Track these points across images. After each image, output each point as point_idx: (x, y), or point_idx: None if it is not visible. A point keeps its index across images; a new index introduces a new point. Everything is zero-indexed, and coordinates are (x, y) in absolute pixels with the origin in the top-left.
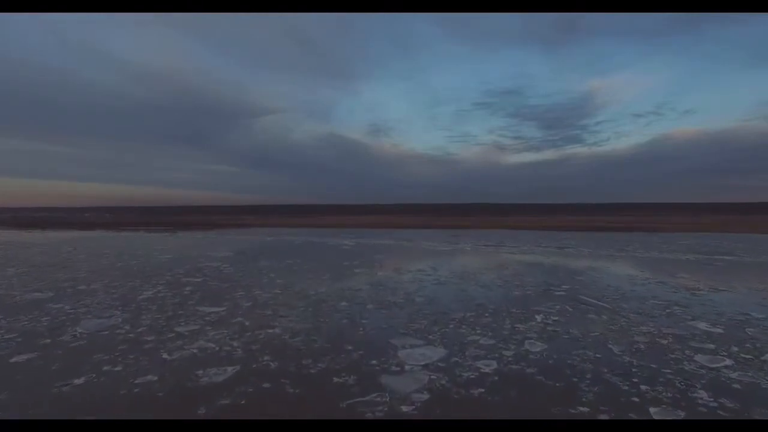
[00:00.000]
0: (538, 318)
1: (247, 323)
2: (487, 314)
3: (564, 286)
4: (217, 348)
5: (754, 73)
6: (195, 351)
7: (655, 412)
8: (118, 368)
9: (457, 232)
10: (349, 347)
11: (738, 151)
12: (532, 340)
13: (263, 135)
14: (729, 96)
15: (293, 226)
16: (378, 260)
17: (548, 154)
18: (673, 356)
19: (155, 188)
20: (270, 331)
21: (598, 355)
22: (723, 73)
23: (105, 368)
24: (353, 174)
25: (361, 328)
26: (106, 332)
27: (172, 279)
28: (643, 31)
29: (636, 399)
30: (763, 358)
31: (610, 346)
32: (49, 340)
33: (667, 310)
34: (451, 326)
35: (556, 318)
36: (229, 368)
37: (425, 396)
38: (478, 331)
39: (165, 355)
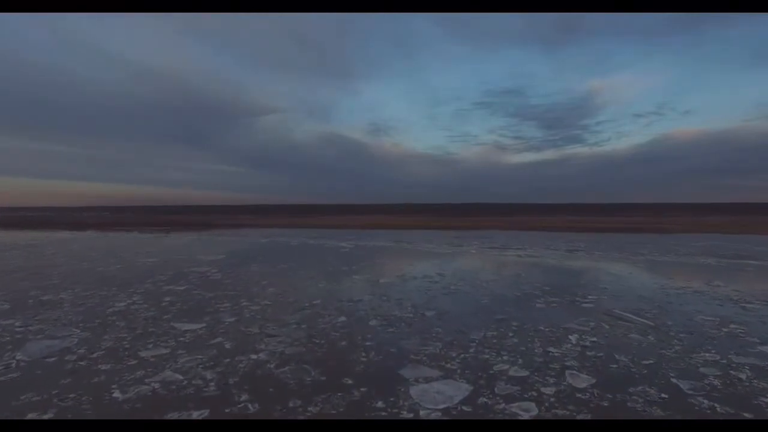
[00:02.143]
0: (573, 339)
1: (227, 346)
2: (510, 333)
3: (590, 297)
4: (186, 381)
5: (754, 73)
6: (157, 386)
7: None
8: (49, 415)
9: (458, 233)
10: (349, 381)
11: (739, 152)
12: (574, 371)
13: (263, 135)
14: (730, 96)
15: (291, 226)
16: (379, 265)
17: (549, 154)
18: (766, 400)
19: (155, 188)
20: (254, 356)
21: (664, 395)
22: (723, 73)
23: (29, 415)
24: (354, 174)
25: (363, 353)
26: (53, 358)
27: (152, 287)
28: (643, 31)
29: None
30: None
31: (674, 380)
32: None
33: (725, 330)
34: (472, 350)
35: (594, 339)
36: (195, 413)
37: None
38: (505, 357)
39: (117, 393)
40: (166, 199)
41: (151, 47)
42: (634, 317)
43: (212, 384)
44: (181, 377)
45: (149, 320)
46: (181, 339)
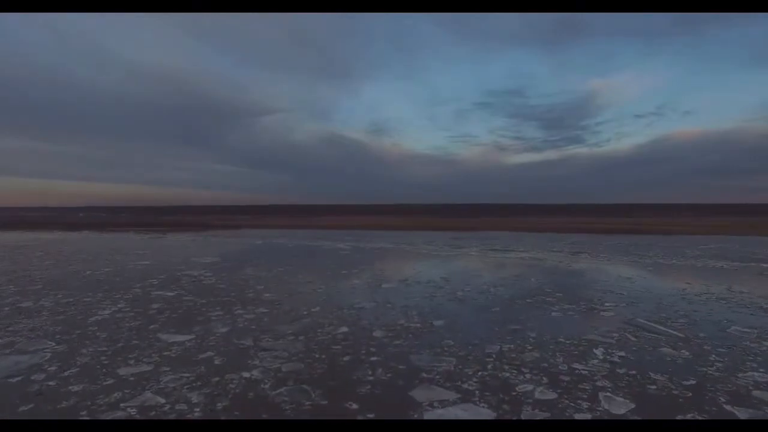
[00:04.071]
0: (598, 353)
1: (217, 361)
2: (529, 346)
3: (607, 304)
4: (168, 406)
5: (754, 73)
6: (134, 412)
7: None
8: None
9: (459, 234)
10: (354, 406)
11: (740, 152)
12: (608, 393)
13: (264, 135)
14: (730, 96)
15: (290, 227)
16: (380, 268)
17: (549, 155)
18: None
19: (155, 188)
20: (246, 375)
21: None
22: (723, 73)
23: None
24: (353, 174)
25: (368, 370)
26: (18, 378)
27: (140, 293)
28: (643, 31)
29: None
30: None
31: (727, 407)
32: None
33: (766, 344)
34: (489, 366)
35: (622, 354)
36: None
37: None
38: (527, 375)
39: None
40: (165, 199)
41: (151, 47)
42: (660, 327)
43: (197, 409)
44: (162, 400)
45: (133, 331)
46: (167, 353)
